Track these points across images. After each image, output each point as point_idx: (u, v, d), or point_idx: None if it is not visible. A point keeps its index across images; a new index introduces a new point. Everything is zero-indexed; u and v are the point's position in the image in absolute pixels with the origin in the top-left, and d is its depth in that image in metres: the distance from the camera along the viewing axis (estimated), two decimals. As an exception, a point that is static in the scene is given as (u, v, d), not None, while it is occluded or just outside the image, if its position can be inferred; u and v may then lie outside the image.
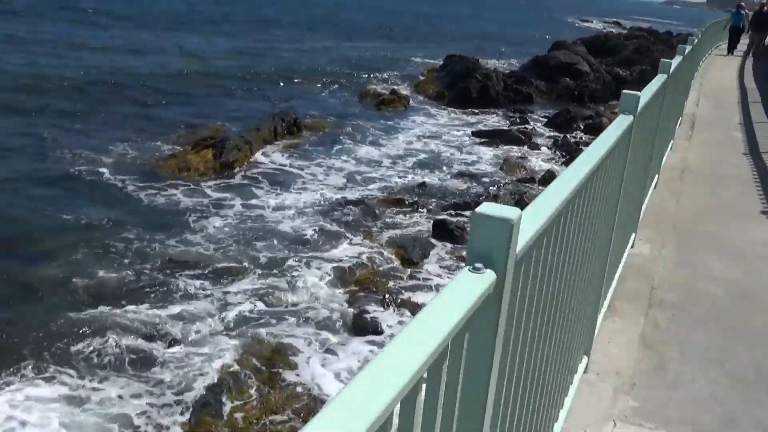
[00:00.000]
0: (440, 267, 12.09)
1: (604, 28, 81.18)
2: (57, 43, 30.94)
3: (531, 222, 1.61)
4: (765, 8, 26.92)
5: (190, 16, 45.86)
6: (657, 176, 7.38)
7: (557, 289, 2.21)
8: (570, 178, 2.03)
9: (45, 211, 12.61)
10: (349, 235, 12.89)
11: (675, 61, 6.22)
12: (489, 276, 1.32)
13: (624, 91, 3.38)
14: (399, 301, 10.61)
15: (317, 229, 12.76)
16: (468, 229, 13.53)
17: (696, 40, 9.61)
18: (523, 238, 1.50)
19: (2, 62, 25.00)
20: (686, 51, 7.45)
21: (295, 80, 27.80)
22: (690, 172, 8.41)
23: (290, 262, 11.60)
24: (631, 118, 3.20)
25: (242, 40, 37.66)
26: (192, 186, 14.48)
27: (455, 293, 1.22)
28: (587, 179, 2.27)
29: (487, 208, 1.37)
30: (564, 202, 1.89)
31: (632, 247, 5.41)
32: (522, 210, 1.49)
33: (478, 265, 1.33)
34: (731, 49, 28.56)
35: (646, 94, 4.07)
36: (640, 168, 4.67)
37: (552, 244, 1.93)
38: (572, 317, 2.81)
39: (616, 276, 4.61)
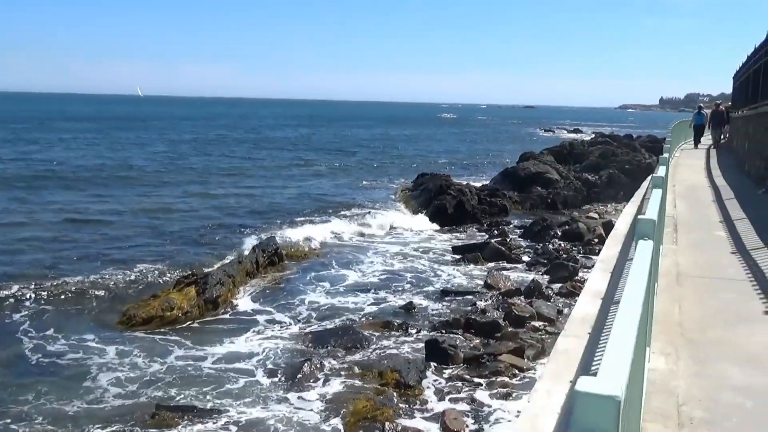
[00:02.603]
0: (438, 389, 11.72)
1: (564, 136, 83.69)
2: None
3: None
4: (720, 107, 28.56)
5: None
6: (656, 284, 7.28)
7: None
8: (629, 321, 1.87)
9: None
10: (338, 365, 12.52)
11: (661, 173, 6.26)
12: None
13: (640, 217, 3.30)
14: (400, 428, 10.18)
15: (308, 360, 12.34)
16: (460, 344, 13.24)
17: (670, 147, 9.80)
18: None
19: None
20: (669, 162, 7.53)
21: (271, 216, 27.69)
22: (685, 276, 8.33)
23: (277, 404, 11.18)
24: (651, 243, 3.11)
25: (209, 186, 37.49)
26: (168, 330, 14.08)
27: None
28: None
29: (586, 384, 1.20)
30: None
31: (648, 361, 5.23)
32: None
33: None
34: (696, 143, 30.20)
35: (652, 214, 4.00)
36: (653, 281, 4.55)
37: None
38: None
39: (643, 395, 4.40)
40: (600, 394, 1.18)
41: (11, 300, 15.63)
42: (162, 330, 14.12)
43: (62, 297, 15.94)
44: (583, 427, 1.18)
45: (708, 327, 6.41)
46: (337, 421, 10.48)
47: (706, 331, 6.28)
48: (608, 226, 23.15)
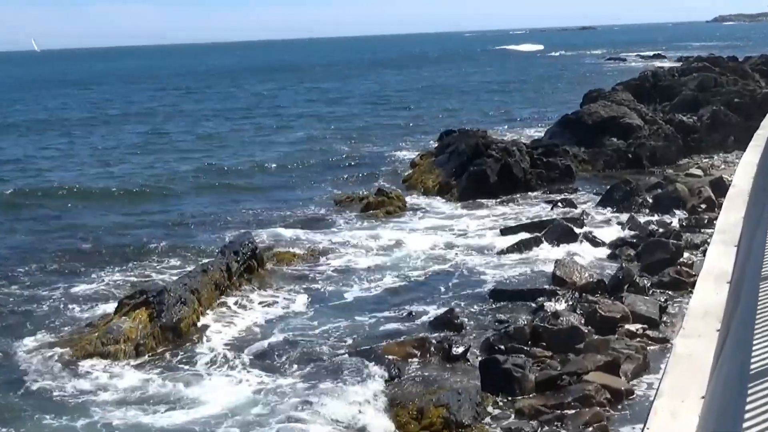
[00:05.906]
0: (505, 427, 11.69)
1: (641, 65, 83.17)
2: None
3: None
4: None
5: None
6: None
7: None
8: None
9: None
10: (360, 404, 12.45)
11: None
12: None
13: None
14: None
15: (317, 411, 12.30)
16: (527, 366, 13.19)
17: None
18: None
19: None
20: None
21: (243, 205, 27.65)
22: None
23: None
24: None
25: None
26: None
27: None
28: None
29: None
30: None
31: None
32: None
33: None
34: None
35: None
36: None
37: None
38: None
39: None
40: None
41: None
42: (105, 370, 14.07)
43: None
44: None
45: None
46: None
47: None
48: (719, 185, 23.06)
